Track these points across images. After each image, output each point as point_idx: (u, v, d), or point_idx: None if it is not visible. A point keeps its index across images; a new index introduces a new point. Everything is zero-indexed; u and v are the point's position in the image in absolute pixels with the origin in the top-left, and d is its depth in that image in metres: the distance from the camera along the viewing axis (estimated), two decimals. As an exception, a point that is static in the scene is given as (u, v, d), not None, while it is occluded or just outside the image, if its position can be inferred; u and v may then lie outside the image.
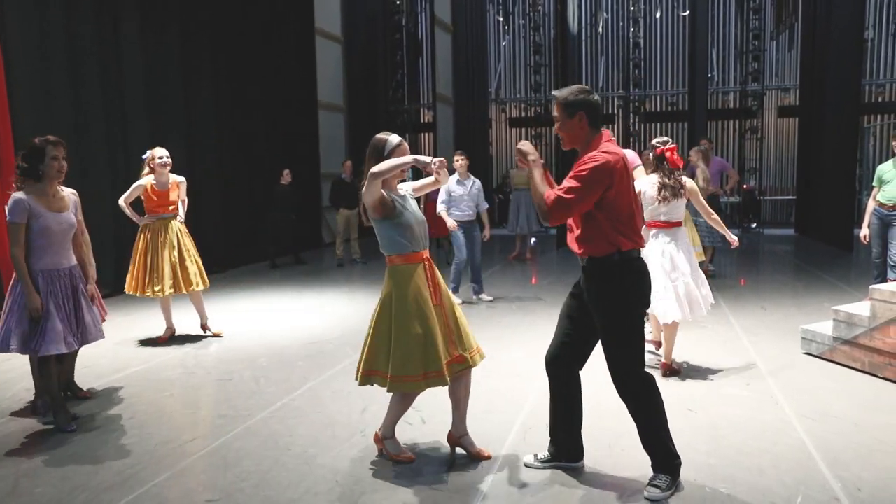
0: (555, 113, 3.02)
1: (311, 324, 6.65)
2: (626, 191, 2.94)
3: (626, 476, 3.18)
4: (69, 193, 4.03)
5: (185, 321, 6.31)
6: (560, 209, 2.88)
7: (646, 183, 4.72)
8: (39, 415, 4.13)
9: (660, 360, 4.86)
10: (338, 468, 3.33)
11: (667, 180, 4.61)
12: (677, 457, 3.05)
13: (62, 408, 3.95)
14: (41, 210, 3.79)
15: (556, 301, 7.47)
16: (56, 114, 7.57)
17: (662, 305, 4.57)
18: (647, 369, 3.07)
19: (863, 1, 11.57)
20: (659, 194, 4.60)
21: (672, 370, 4.73)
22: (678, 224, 4.75)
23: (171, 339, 5.96)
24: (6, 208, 3.78)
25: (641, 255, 3.06)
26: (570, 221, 3.08)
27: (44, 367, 3.90)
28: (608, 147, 2.93)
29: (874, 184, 6.52)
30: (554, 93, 3.03)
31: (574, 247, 3.07)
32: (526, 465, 3.28)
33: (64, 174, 3.91)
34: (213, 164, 10.19)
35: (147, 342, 5.91)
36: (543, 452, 3.30)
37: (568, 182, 2.89)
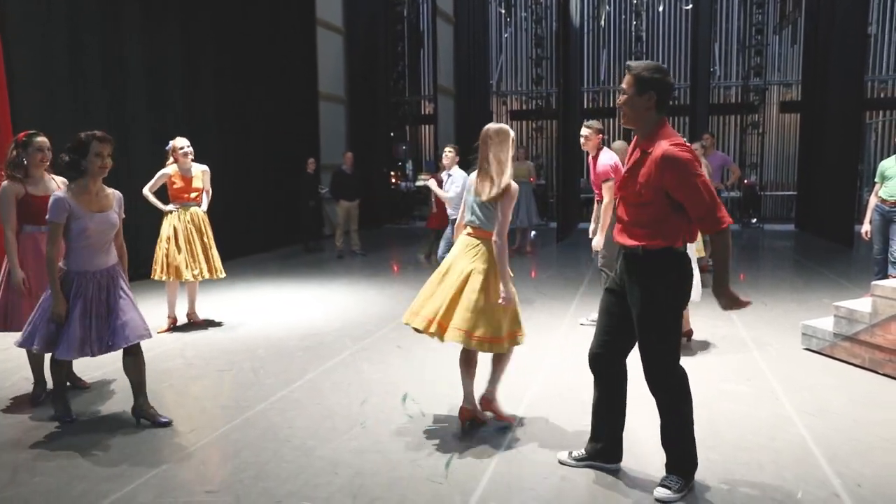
0: (623, 86, 2.87)
1: (310, 315, 6.65)
2: None
3: (633, 472, 3.17)
4: (113, 192, 3.86)
5: (182, 311, 6.29)
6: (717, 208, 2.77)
7: None
8: (37, 404, 4.13)
9: None
10: (337, 460, 3.33)
11: None
12: (695, 461, 2.98)
13: (63, 398, 3.92)
14: (81, 211, 3.62)
15: (556, 294, 7.47)
16: (57, 108, 7.53)
17: None
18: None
19: (867, -5, 11.52)
20: None
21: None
22: None
23: (170, 329, 5.96)
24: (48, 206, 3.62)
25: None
26: (621, 211, 2.97)
27: (56, 361, 3.81)
28: (679, 139, 2.83)
29: (876, 180, 6.51)
30: (629, 63, 2.89)
31: (625, 238, 2.93)
32: (560, 463, 3.22)
33: (107, 172, 3.73)
34: (213, 155, 10.11)
35: (165, 331, 5.90)
36: (579, 450, 3.22)
37: (693, 187, 2.73)
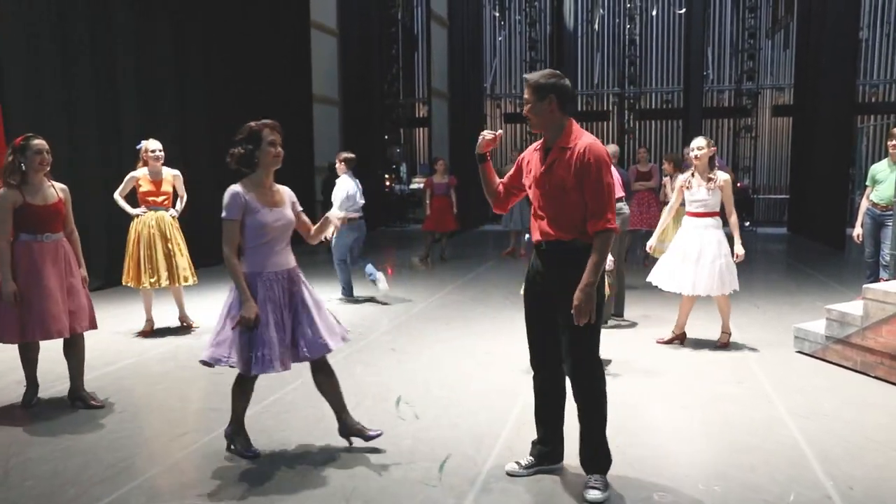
0: (525, 96, 2.99)
1: (304, 318, 6.61)
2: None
3: (624, 476, 3.18)
4: (284, 188, 3.54)
5: (172, 314, 6.25)
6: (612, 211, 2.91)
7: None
8: (30, 407, 4.11)
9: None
10: (330, 463, 3.32)
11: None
12: (610, 456, 3.04)
13: (243, 429, 3.48)
14: (258, 206, 3.28)
15: (550, 297, 7.48)
16: (48, 107, 7.52)
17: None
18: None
19: (857, 1, 11.60)
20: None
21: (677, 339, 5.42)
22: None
23: (155, 331, 5.92)
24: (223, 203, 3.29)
25: None
26: (538, 206, 3.04)
27: (242, 382, 3.42)
28: (585, 134, 2.97)
29: (867, 183, 6.55)
30: (525, 76, 3.04)
31: (538, 234, 3.02)
32: (509, 474, 3.18)
33: (281, 162, 3.44)
34: (206, 156, 10.11)
35: (136, 334, 5.87)
36: (526, 458, 3.23)
37: (601, 183, 2.86)
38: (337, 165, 7.39)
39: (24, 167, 3.94)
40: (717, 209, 5.19)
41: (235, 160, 3.37)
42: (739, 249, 5.09)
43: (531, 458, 3.22)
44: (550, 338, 3.05)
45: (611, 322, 6.19)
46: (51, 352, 4.35)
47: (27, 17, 7.30)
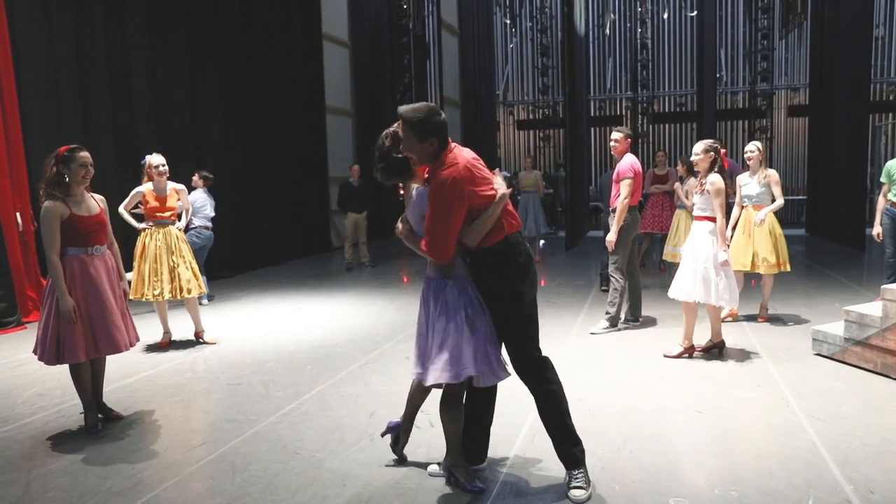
0: (400, 132, 2.91)
1: (320, 328, 6.67)
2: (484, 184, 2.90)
3: (640, 481, 3.16)
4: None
5: (189, 326, 6.32)
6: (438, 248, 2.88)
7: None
8: (96, 433, 3.96)
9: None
10: (346, 472, 3.33)
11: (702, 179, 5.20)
12: (580, 442, 3.08)
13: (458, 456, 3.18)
14: None
15: (565, 302, 7.46)
16: (65, 121, 7.66)
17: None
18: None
19: (872, -2, 11.49)
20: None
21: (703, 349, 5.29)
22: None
23: (172, 343, 5.98)
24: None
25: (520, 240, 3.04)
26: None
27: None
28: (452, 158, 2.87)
29: (883, 180, 6.46)
30: (399, 109, 2.90)
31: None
32: (430, 475, 3.25)
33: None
34: (221, 169, 10.24)
35: (154, 347, 5.94)
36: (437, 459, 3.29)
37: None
38: (195, 180, 8.07)
39: (67, 179, 3.87)
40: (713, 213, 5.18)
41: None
42: (720, 256, 4.97)
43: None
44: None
45: (622, 326, 6.18)
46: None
47: (44, 33, 7.47)
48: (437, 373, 2.92)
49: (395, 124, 3.02)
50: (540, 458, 3.41)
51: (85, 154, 3.93)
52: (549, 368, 3.09)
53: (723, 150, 5.23)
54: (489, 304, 2.99)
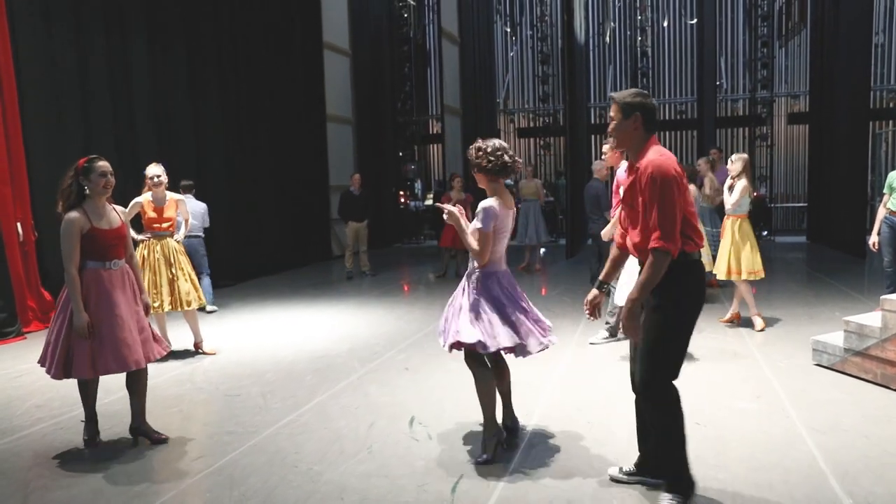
0: (611, 114, 3.06)
1: (319, 337, 6.66)
2: (684, 191, 2.90)
3: (633, 491, 3.15)
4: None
5: (188, 336, 6.31)
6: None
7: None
8: (95, 446, 3.93)
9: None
10: (344, 485, 3.32)
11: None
12: (692, 480, 2.99)
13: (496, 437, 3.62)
14: (504, 211, 3.50)
15: (566, 312, 7.45)
16: (67, 130, 7.69)
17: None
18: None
19: (871, 6, 11.51)
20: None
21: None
22: None
23: (171, 354, 5.96)
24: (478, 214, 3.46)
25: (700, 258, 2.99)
26: (627, 225, 3.08)
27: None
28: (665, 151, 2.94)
29: (885, 191, 6.45)
30: (611, 94, 3.08)
31: (634, 250, 3.03)
32: (611, 479, 3.24)
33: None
34: (222, 178, 10.28)
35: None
36: (628, 465, 3.26)
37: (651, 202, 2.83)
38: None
39: (87, 190, 3.77)
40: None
41: (491, 169, 3.54)
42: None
43: (633, 466, 3.25)
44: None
45: (621, 336, 6.16)
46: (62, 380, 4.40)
47: (45, 42, 7.50)
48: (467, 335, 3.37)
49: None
50: (539, 472, 3.40)
51: (104, 163, 3.83)
52: (678, 401, 2.97)
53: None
54: (653, 313, 2.89)
